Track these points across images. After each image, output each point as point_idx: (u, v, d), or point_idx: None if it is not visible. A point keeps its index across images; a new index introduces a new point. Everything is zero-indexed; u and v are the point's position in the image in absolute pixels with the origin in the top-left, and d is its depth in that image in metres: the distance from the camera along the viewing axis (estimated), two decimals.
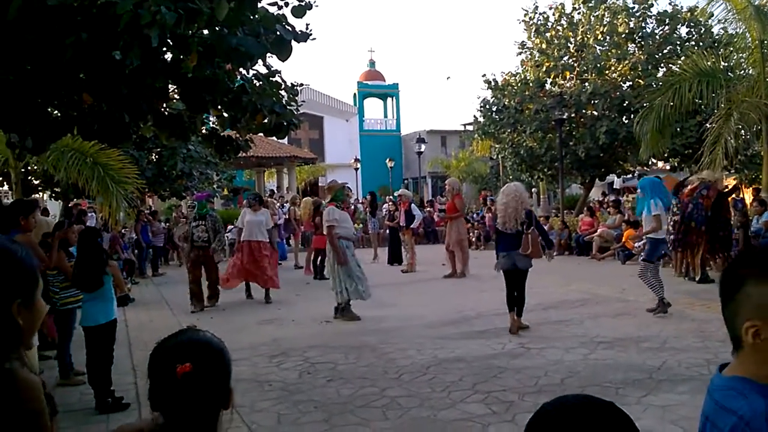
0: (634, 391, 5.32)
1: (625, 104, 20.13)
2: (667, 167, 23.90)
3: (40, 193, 18.35)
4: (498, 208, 7.92)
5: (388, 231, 17.13)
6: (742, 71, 15.38)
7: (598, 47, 21.62)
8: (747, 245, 11.64)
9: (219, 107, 5.59)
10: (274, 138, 7.64)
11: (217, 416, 1.47)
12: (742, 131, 14.52)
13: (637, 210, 9.75)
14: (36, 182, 16.20)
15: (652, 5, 21.15)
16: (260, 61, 5.12)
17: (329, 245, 9.01)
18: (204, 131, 6.99)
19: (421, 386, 5.70)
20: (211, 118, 6.85)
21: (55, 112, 6.00)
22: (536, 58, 22.82)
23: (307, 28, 5.00)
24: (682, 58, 17.36)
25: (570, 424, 1.05)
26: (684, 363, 6.07)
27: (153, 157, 18.51)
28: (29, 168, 14.37)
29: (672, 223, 11.68)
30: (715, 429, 1.28)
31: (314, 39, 5.04)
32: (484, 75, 23.96)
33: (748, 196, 18.05)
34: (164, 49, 4.61)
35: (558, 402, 1.11)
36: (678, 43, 20.73)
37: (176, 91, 5.59)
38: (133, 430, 1.56)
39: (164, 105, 5.91)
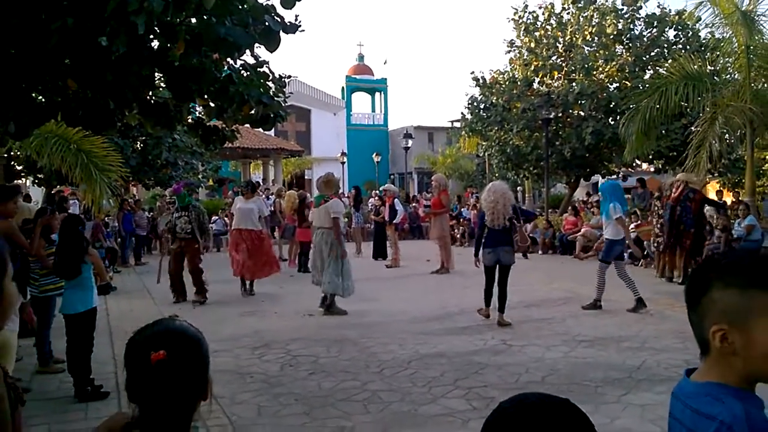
0: (614, 389, 5.37)
1: (611, 105, 20.24)
2: (652, 169, 24.09)
3: (23, 179, 18.14)
4: (486, 206, 8.04)
5: (373, 225, 17.13)
6: (728, 76, 15.49)
7: (586, 48, 21.73)
8: (728, 249, 11.76)
9: (205, 97, 5.54)
10: (261, 129, 7.59)
11: (193, 406, 1.45)
12: (727, 135, 14.62)
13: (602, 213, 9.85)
14: (19, 168, 16.01)
15: (640, 7, 21.28)
16: (248, 52, 5.08)
17: (319, 237, 8.96)
18: (190, 121, 6.93)
19: (403, 381, 5.72)
20: (197, 108, 6.79)
21: (39, 97, 5.92)
22: (525, 57, 22.91)
23: (296, 20, 4.96)
24: (669, 61, 17.44)
25: (527, 422, 1.06)
26: (663, 363, 6.12)
27: (138, 146, 18.39)
28: (12, 153, 14.20)
29: (659, 225, 11.79)
30: None
31: (303, 31, 5.00)
32: (472, 72, 24.02)
33: (729, 199, 18.25)
34: (151, 36, 4.56)
35: (516, 400, 1.11)
36: (665, 45, 20.88)
37: (162, 79, 5.54)
38: (111, 425, 1.54)
39: (150, 93, 5.86)
